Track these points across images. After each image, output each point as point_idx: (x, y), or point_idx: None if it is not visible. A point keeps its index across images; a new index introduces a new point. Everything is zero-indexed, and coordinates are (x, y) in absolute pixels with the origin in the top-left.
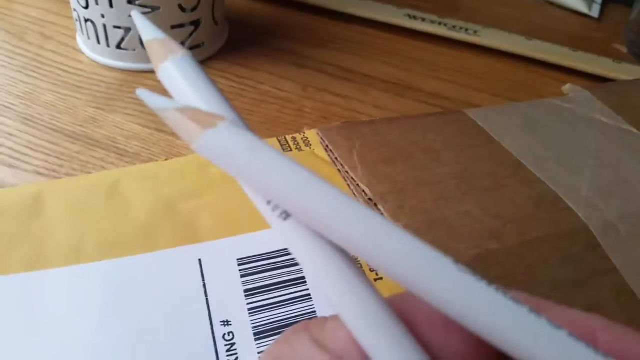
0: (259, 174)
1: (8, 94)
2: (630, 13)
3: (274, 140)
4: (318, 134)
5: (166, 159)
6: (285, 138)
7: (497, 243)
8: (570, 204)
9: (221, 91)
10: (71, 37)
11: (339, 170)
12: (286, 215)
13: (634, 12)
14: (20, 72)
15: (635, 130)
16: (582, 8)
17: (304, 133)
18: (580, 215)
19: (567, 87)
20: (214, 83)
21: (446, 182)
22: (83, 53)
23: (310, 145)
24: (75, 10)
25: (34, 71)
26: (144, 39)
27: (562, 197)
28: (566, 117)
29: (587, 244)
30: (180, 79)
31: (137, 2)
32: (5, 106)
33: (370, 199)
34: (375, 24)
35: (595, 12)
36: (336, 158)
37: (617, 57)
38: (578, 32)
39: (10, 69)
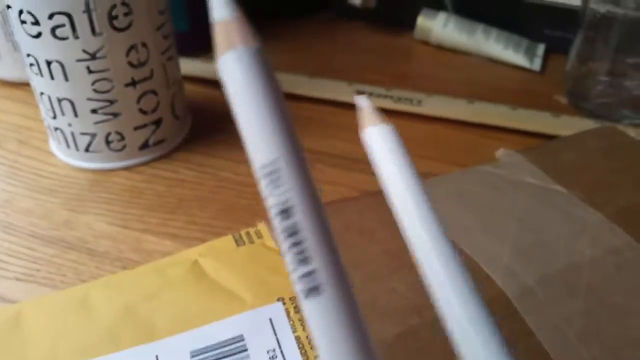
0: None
1: None
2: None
3: (230, 237)
4: (265, 225)
5: (132, 268)
6: (239, 234)
7: (418, 317)
8: (489, 272)
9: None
10: (45, 141)
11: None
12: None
13: (569, 64)
14: (1, 180)
15: (561, 189)
16: (524, 62)
17: (257, 226)
18: (498, 283)
19: (499, 152)
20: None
21: (377, 261)
22: (56, 156)
23: (262, 236)
24: (44, 119)
25: (12, 178)
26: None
27: (482, 266)
28: (495, 183)
29: (505, 310)
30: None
31: (100, 111)
32: None
33: None
34: (326, 99)
35: (536, 65)
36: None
37: (558, 110)
38: (521, 88)
39: None
